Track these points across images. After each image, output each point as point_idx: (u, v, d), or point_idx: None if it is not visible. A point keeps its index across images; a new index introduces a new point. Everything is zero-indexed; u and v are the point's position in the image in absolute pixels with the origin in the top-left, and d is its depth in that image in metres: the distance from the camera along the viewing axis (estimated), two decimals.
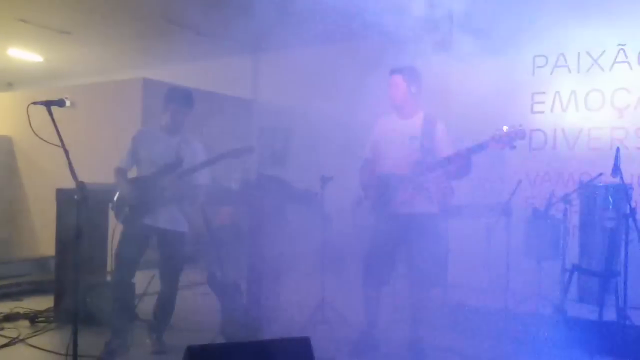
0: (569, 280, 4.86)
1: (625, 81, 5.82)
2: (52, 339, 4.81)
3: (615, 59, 5.89)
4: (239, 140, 8.27)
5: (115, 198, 4.44)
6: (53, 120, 3.26)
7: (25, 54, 10.90)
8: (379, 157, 4.52)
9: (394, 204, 4.32)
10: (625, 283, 4.77)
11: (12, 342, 4.66)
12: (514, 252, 5.31)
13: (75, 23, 8.92)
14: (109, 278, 5.15)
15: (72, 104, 3.32)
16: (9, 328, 5.01)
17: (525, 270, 5.35)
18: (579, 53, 6.10)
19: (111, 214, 4.59)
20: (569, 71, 6.17)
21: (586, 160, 5.83)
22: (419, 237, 4.28)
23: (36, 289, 6.36)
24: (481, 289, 5.70)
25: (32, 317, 5.28)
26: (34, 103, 3.24)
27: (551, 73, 6.26)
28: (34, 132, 3.19)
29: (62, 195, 5.42)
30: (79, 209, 3.15)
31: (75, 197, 3.12)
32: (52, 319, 5.31)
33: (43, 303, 5.68)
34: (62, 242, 5.42)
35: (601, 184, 5.16)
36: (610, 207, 5.07)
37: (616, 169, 4.76)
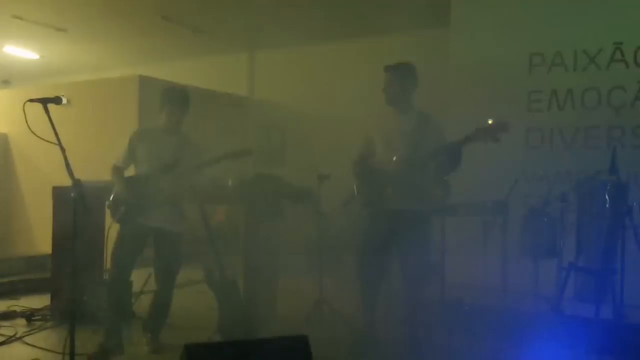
0: (566, 279, 4.87)
1: (622, 80, 5.82)
2: (49, 338, 4.80)
3: (612, 57, 5.90)
4: (235, 138, 8.30)
5: (111, 197, 4.43)
6: (49, 117, 3.24)
7: (21, 51, 10.87)
8: (373, 152, 4.52)
9: (385, 200, 4.33)
10: (622, 281, 4.78)
11: (8, 340, 4.65)
12: (510, 251, 5.32)
13: (71, 20, 8.90)
14: (106, 276, 5.13)
15: (68, 101, 3.30)
16: (5, 326, 5.00)
17: (522, 268, 5.35)
18: (575, 51, 6.10)
19: (108, 212, 4.58)
20: (566, 69, 6.17)
21: (583, 158, 5.83)
22: (408, 234, 4.29)
23: (32, 287, 6.35)
24: (478, 287, 5.70)
25: (29, 316, 5.27)
26: (31, 100, 3.22)
27: (548, 71, 6.26)
28: (30, 130, 3.17)
29: (59, 193, 5.40)
30: (75, 207, 3.14)
31: (72, 194, 3.11)
32: (48, 317, 5.30)
33: (39, 301, 5.67)
34: (59, 240, 5.40)
35: (598, 183, 5.15)
36: (607, 205, 5.07)
37: (613, 168, 4.77)
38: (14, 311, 5.41)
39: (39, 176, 8.90)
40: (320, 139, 8.45)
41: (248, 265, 5.30)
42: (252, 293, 5.15)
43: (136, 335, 4.68)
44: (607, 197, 5.06)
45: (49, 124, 3.20)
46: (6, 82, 13.29)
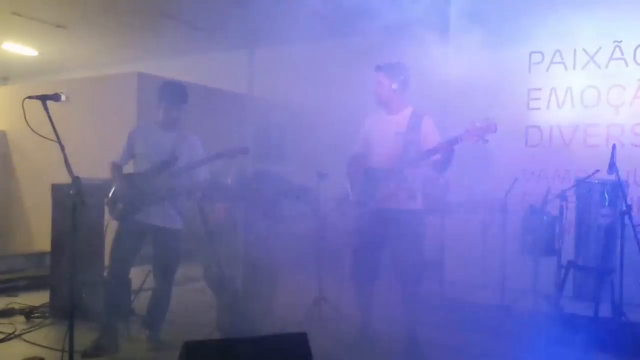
0: (564, 277, 4.87)
1: (621, 78, 5.82)
2: (48, 335, 4.80)
3: (612, 55, 5.89)
4: (234, 136, 8.29)
5: (109, 194, 4.42)
6: (49, 114, 3.23)
7: (20, 48, 10.85)
8: (367, 152, 4.54)
9: (378, 199, 4.34)
10: (620, 280, 4.79)
11: (7, 337, 4.65)
12: (509, 249, 5.33)
13: (70, 17, 8.89)
14: (105, 273, 5.13)
15: (67, 98, 3.29)
16: (4, 323, 4.99)
17: (521, 266, 5.37)
18: (575, 50, 6.10)
19: (107, 209, 4.57)
20: (565, 68, 6.17)
21: (582, 157, 5.83)
22: (400, 233, 4.30)
23: (32, 285, 6.35)
24: (477, 285, 5.71)
25: (28, 313, 5.26)
26: (30, 97, 3.22)
27: (547, 69, 6.26)
28: (30, 127, 3.15)
29: (58, 191, 5.40)
30: (74, 204, 3.13)
31: (71, 192, 3.11)
32: (47, 314, 5.30)
33: (38, 298, 5.66)
34: (58, 238, 5.40)
35: (597, 181, 5.16)
36: (606, 204, 5.08)
37: (612, 166, 4.77)
38: (13, 308, 5.40)
39: (38, 173, 8.89)
40: (320, 137, 8.44)
41: (247, 262, 5.30)
42: (251, 290, 5.15)
43: (135, 332, 4.68)
44: (606, 195, 5.08)
45: (47, 121, 3.19)
46: (5, 79, 13.29)
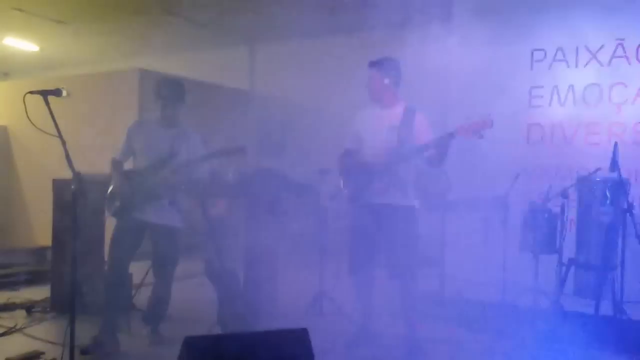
0: (565, 274, 4.88)
1: (624, 76, 5.80)
2: (49, 329, 4.81)
3: (614, 53, 5.88)
4: (235, 132, 8.28)
5: (108, 191, 4.40)
6: (50, 110, 3.22)
7: (21, 44, 10.85)
8: (359, 147, 4.54)
9: (370, 194, 4.35)
10: (621, 277, 4.78)
11: (8, 331, 4.66)
12: (510, 246, 5.32)
13: (71, 13, 8.88)
14: (105, 269, 5.13)
15: (68, 93, 3.28)
16: (5, 318, 5.01)
17: (522, 264, 5.36)
18: (577, 47, 6.07)
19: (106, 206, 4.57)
20: (567, 65, 6.15)
21: (584, 154, 5.82)
22: (391, 228, 4.30)
23: (32, 279, 6.36)
24: (478, 282, 5.71)
25: (29, 307, 5.28)
26: (31, 92, 3.21)
27: (549, 67, 6.25)
28: (31, 122, 3.15)
29: (59, 186, 5.40)
30: (75, 200, 3.13)
31: (72, 187, 3.11)
32: (48, 309, 5.31)
33: (39, 293, 5.68)
34: (59, 232, 5.40)
35: (599, 179, 5.15)
36: (608, 201, 5.07)
37: (614, 164, 4.76)
38: (14, 303, 5.41)
39: (39, 169, 8.90)
40: (321, 134, 8.43)
41: (248, 258, 5.30)
42: (252, 286, 5.16)
43: (136, 327, 4.69)
44: (607, 193, 5.07)
45: (49, 117, 3.18)
46: (6, 75, 13.29)
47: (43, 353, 4.10)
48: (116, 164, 4.47)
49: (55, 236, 5.45)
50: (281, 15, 8.56)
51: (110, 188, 4.37)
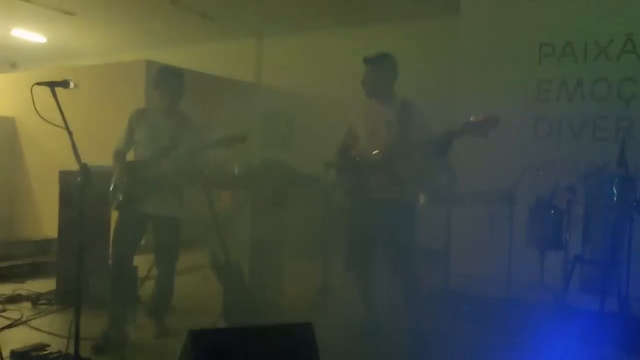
0: (571, 271, 4.86)
1: (632, 71, 5.76)
2: (54, 321, 4.83)
3: (623, 48, 5.84)
4: (242, 125, 8.28)
5: (112, 183, 4.38)
6: (57, 101, 3.22)
7: (28, 35, 10.86)
8: (356, 142, 4.53)
9: (366, 189, 4.34)
10: (627, 274, 4.77)
11: (14, 323, 4.68)
12: (516, 242, 5.30)
13: (79, 4, 8.88)
14: (110, 262, 5.15)
15: (75, 85, 3.28)
16: (11, 310, 5.02)
17: (528, 259, 5.34)
18: (586, 42, 6.04)
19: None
20: (576, 60, 6.11)
21: (591, 150, 5.80)
22: (391, 223, 4.29)
23: (38, 271, 6.38)
24: (483, 277, 5.69)
25: (34, 299, 5.29)
26: (38, 84, 3.21)
27: (558, 62, 6.21)
28: (38, 113, 3.13)
29: (65, 177, 5.41)
30: (81, 191, 3.14)
31: (79, 179, 3.11)
32: (54, 301, 5.32)
33: (45, 285, 5.69)
34: (65, 224, 5.41)
35: (606, 175, 5.12)
36: (615, 198, 5.04)
37: (621, 160, 4.74)
38: (20, 295, 5.42)
39: (46, 160, 8.92)
40: (328, 126, 8.42)
41: (253, 251, 5.30)
42: (257, 279, 5.16)
43: (141, 320, 4.70)
44: (614, 189, 5.04)
45: (56, 108, 3.18)
46: (13, 66, 13.31)
47: (49, 345, 4.09)
48: (118, 155, 4.43)
49: (62, 228, 5.46)
50: (289, 7, 8.55)
51: (113, 181, 4.35)
